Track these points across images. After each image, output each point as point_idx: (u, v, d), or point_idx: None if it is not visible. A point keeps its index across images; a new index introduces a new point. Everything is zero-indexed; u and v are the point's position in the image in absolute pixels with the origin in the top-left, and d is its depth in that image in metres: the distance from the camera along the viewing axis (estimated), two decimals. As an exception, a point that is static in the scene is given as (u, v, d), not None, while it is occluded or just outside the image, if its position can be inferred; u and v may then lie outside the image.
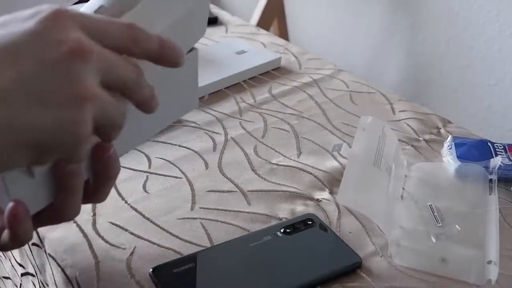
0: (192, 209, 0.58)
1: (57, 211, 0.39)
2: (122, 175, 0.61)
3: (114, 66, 0.36)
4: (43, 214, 0.39)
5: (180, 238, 0.54)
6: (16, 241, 0.38)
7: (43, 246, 0.53)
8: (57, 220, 0.40)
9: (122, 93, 0.37)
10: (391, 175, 0.60)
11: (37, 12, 0.34)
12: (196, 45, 1.01)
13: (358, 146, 0.58)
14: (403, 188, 0.62)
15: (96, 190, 0.41)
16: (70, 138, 0.34)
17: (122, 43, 0.37)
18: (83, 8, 0.51)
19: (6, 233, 0.38)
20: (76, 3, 0.72)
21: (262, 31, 1.05)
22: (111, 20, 0.37)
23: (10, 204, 0.35)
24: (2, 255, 0.68)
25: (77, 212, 0.40)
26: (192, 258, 0.50)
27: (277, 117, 0.75)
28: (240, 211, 0.57)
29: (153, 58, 0.38)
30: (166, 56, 0.39)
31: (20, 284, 0.64)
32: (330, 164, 0.66)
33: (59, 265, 0.51)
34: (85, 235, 0.53)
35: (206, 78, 0.80)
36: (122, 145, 0.42)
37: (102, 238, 0.53)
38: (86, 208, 0.56)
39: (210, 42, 0.98)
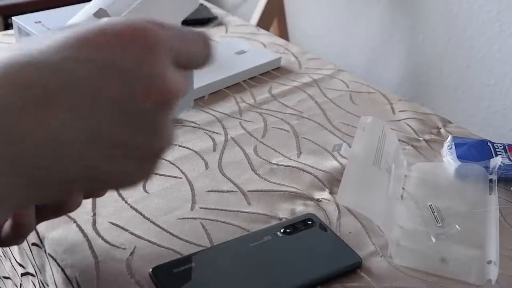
0: (192, 209, 0.57)
1: (59, 203, 0.39)
2: (122, 175, 0.61)
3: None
4: (45, 207, 0.39)
5: (180, 238, 0.54)
6: (18, 232, 0.38)
7: (43, 246, 0.53)
8: (58, 212, 0.40)
9: None
10: (391, 175, 0.60)
11: (131, 35, 0.29)
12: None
13: (357, 146, 0.58)
14: (403, 188, 0.62)
15: None
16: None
17: (197, 64, 0.35)
18: (83, 11, 0.51)
19: (7, 226, 0.38)
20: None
21: (262, 31, 1.05)
22: (194, 38, 0.34)
23: None
24: (2, 255, 0.68)
25: (78, 204, 0.39)
26: (192, 258, 0.50)
27: (277, 117, 0.75)
28: (240, 211, 0.57)
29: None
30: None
31: (20, 284, 0.64)
32: (330, 164, 0.66)
33: (59, 265, 0.51)
34: (85, 235, 0.53)
35: (206, 78, 0.80)
36: None
37: (102, 238, 0.53)
38: (86, 208, 0.56)
39: (210, 42, 0.98)
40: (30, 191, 0.28)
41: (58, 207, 0.39)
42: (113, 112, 0.28)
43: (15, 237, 0.38)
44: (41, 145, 0.27)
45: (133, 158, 0.30)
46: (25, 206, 0.33)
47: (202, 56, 0.35)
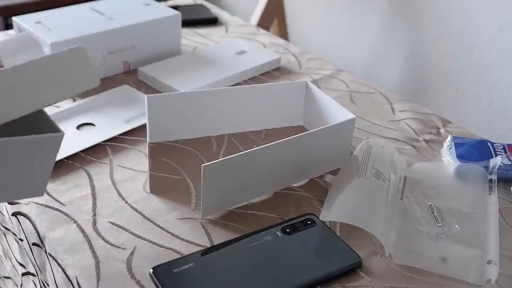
0: (192, 209, 0.58)
1: None
2: (122, 175, 0.62)
3: None
4: None
5: (180, 238, 0.54)
6: None
7: (44, 246, 0.53)
8: None
9: None
10: (385, 178, 0.60)
11: None
12: (197, 45, 1.01)
13: (341, 174, 0.61)
14: (403, 188, 0.62)
15: None
16: None
17: None
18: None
19: None
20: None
21: (262, 31, 1.05)
22: None
23: None
24: (3, 255, 0.68)
25: None
26: (192, 258, 0.50)
27: (277, 117, 0.75)
28: (240, 211, 0.57)
29: None
30: None
31: (21, 283, 0.64)
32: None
33: (59, 265, 0.51)
34: (85, 235, 0.53)
35: (206, 78, 0.80)
36: None
37: (102, 238, 0.53)
38: (87, 208, 0.56)
39: (210, 42, 0.98)
40: None
41: None
42: None
43: None
44: None
45: None
46: None
47: None
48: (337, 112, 0.64)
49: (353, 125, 0.62)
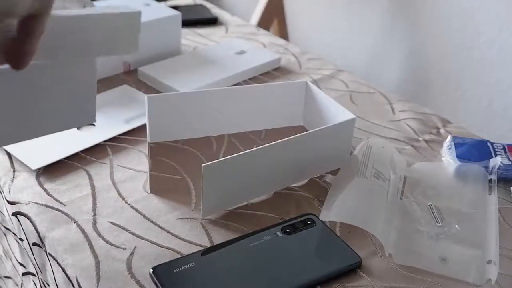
0: (192, 209, 0.58)
1: None
2: (122, 175, 0.62)
3: None
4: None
5: (180, 238, 0.54)
6: None
7: (44, 246, 0.53)
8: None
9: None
10: (385, 178, 0.60)
11: None
12: (197, 45, 1.01)
13: (340, 174, 0.61)
14: (403, 188, 0.62)
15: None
16: None
17: None
18: None
19: None
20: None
21: (262, 31, 1.05)
22: None
23: None
24: (3, 255, 0.68)
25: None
26: (192, 258, 0.50)
27: (277, 117, 0.75)
28: (240, 211, 0.58)
29: None
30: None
31: (21, 283, 0.64)
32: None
33: (59, 265, 0.51)
34: (85, 235, 0.53)
35: (206, 78, 0.80)
36: (7, 134, 0.44)
37: (103, 238, 0.53)
38: (87, 208, 0.56)
39: (210, 42, 0.98)
40: None
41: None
42: None
43: None
44: None
45: None
46: None
47: None
48: (337, 112, 0.64)
49: (353, 125, 0.62)
